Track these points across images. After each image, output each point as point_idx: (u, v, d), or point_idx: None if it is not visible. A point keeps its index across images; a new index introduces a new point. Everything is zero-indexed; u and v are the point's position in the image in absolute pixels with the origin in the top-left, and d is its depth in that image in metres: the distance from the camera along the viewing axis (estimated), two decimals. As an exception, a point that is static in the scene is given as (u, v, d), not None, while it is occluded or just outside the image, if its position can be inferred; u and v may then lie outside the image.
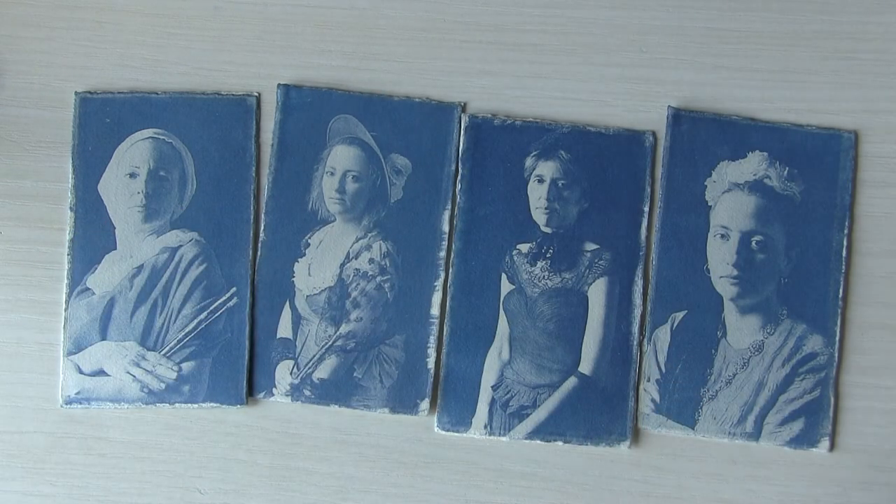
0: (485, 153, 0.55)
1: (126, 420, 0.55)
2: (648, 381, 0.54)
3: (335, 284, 0.54)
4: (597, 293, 0.54)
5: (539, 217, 0.55)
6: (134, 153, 0.49)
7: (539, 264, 0.54)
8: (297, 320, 0.54)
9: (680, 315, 0.54)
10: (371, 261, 0.54)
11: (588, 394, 0.54)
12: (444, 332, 0.54)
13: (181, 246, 0.49)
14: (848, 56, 0.56)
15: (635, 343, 0.54)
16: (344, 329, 0.54)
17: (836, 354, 0.54)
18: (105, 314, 0.50)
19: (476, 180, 0.55)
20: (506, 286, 0.54)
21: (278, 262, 0.53)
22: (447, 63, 0.56)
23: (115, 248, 0.50)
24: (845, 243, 0.54)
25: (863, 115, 0.55)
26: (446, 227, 0.54)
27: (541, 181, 0.55)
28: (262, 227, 0.53)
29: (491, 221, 0.55)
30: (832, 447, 0.54)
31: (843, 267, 0.54)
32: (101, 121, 0.51)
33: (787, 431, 0.54)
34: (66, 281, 0.51)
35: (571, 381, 0.54)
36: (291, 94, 0.52)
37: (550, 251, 0.54)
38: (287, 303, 0.54)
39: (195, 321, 0.50)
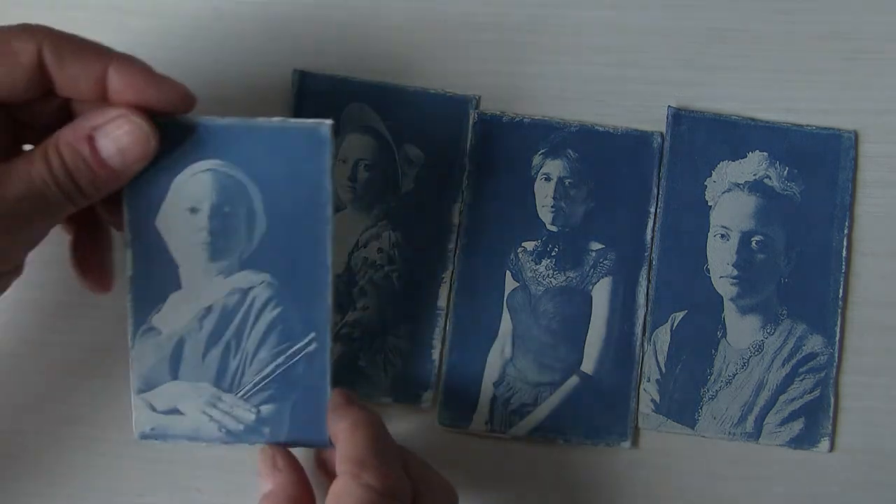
0: (492, 150, 0.55)
1: (126, 420, 0.54)
2: (648, 381, 0.54)
3: (343, 272, 0.54)
4: (601, 293, 0.54)
5: (545, 215, 0.54)
6: (194, 187, 0.46)
7: (544, 262, 0.54)
8: None
9: (680, 315, 0.54)
10: (380, 250, 0.53)
11: (589, 393, 0.54)
12: (447, 328, 0.54)
13: (252, 287, 0.47)
14: (848, 56, 0.56)
15: (638, 343, 0.54)
16: (350, 317, 0.54)
17: (836, 354, 0.54)
18: (175, 354, 0.48)
19: (483, 177, 0.55)
20: (510, 283, 0.54)
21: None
22: (456, 60, 0.56)
23: (181, 288, 0.47)
24: (845, 243, 0.54)
25: (863, 115, 0.55)
26: (457, 220, 0.54)
27: (548, 179, 0.55)
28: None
29: (497, 218, 0.54)
30: (832, 447, 0.54)
31: (843, 267, 0.54)
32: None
33: (787, 431, 0.54)
34: (130, 319, 0.48)
35: (573, 380, 0.54)
36: (306, 80, 0.51)
37: (556, 250, 0.54)
38: None
39: (272, 365, 0.48)
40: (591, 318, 0.54)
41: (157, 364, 0.48)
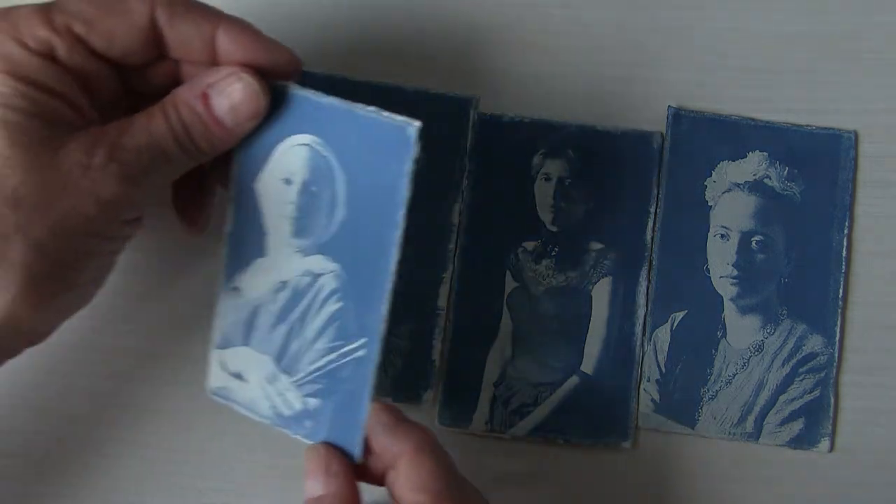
0: (492, 150, 0.55)
1: (126, 420, 0.54)
2: (648, 381, 0.54)
3: None
4: (601, 293, 0.54)
5: (545, 215, 0.54)
6: (291, 158, 0.46)
7: (544, 262, 0.54)
8: None
9: (680, 315, 0.54)
10: None
11: (589, 393, 0.54)
12: (447, 328, 0.54)
13: (323, 274, 0.46)
14: (848, 56, 0.56)
15: (638, 343, 0.54)
16: None
17: (836, 354, 0.54)
18: (249, 321, 0.48)
19: (483, 177, 0.55)
20: (510, 283, 0.54)
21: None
22: (457, 60, 0.56)
23: (265, 256, 0.47)
24: (845, 243, 0.54)
25: (863, 115, 0.55)
26: (457, 220, 0.54)
27: (548, 179, 0.55)
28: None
29: (497, 218, 0.54)
30: (832, 447, 0.54)
31: (843, 267, 0.54)
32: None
33: (787, 431, 0.54)
34: (221, 275, 0.49)
35: (573, 380, 0.54)
36: (306, 80, 0.51)
37: (556, 250, 0.54)
38: None
39: (325, 359, 0.47)
40: (591, 319, 0.54)
41: (234, 325, 0.48)
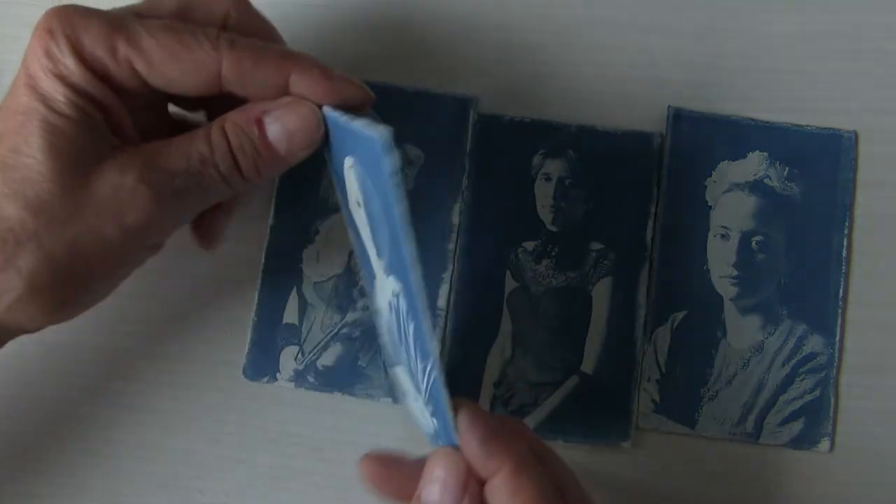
0: (492, 150, 0.55)
1: (126, 420, 0.54)
2: (648, 381, 0.54)
3: (343, 273, 0.53)
4: (601, 293, 0.54)
5: (545, 215, 0.54)
6: (351, 180, 0.46)
7: (544, 262, 0.54)
8: (303, 307, 0.53)
9: (680, 315, 0.54)
10: None
11: (589, 393, 0.54)
12: (447, 328, 0.54)
13: (399, 295, 0.43)
14: (848, 56, 0.56)
15: (638, 343, 0.54)
16: (350, 317, 0.53)
17: (837, 354, 0.54)
18: (390, 340, 0.48)
19: (483, 177, 0.55)
20: (510, 283, 0.54)
21: (287, 246, 0.53)
22: (456, 60, 0.56)
23: (375, 277, 0.46)
24: (845, 243, 0.54)
25: (863, 114, 0.55)
26: (457, 220, 0.54)
27: (548, 179, 0.54)
28: (270, 212, 0.53)
29: (497, 218, 0.54)
30: (832, 447, 0.54)
31: (844, 267, 0.54)
32: None
33: (788, 431, 0.54)
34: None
35: (573, 380, 0.54)
36: None
37: (556, 249, 0.54)
38: (294, 289, 0.54)
39: (426, 380, 0.43)
40: (592, 319, 0.54)
41: (386, 345, 0.49)
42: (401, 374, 0.49)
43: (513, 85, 0.56)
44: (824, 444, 0.54)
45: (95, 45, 0.42)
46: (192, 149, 0.43)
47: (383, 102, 0.48)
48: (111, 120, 0.43)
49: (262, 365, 0.54)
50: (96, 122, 0.42)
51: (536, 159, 0.55)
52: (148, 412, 0.55)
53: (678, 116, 0.55)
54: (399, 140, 0.49)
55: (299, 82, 0.44)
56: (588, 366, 0.54)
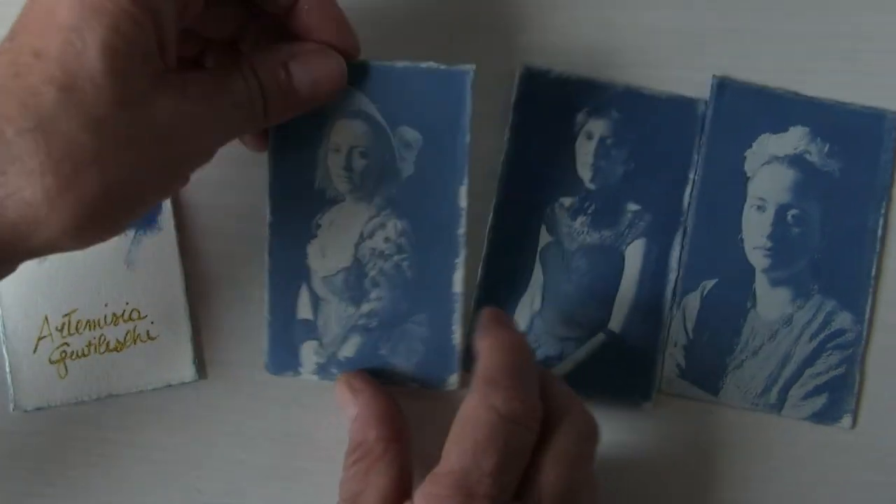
0: (537, 104, 0.55)
1: (125, 420, 0.55)
2: (675, 346, 0.54)
3: (351, 265, 0.52)
4: (634, 254, 0.55)
5: (584, 173, 0.55)
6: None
7: (579, 219, 0.55)
8: (315, 301, 0.52)
9: (711, 283, 0.55)
10: (387, 240, 0.51)
11: (615, 351, 0.54)
12: (479, 277, 0.54)
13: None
14: (897, 35, 0.56)
15: (668, 307, 0.54)
16: (365, 308, 0.52)
17: (865, 332, 0.54)
18: None
19: (525, 131, 0.55)
20: (544, 237, 0.55)
21: (290, 243, 0.52)
22: (501, 23, 0.56)
23: None
24: (881, 223, 0.54)
25: (909, 95, 0.55)
26: (464, 203, 0.51)
27: (589, 137, 0.55)
28: (267, 210, 0.51)
29: (536, 172, 0.55)
30: (854, 424, 0.54)
31: (878, 246, 0.54)
32: None
33: (811, 405, 0.54)
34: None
35: (600, 337, 0.54)
36: None
37: (592, 207, 0.55)
38: (304, 284, 0.52)
39: None
40: (623, 278, 0.54)
41: None
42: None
43: (561, 40, 0.55)
44: (846, 421, 0.54)
45: None
46: (233, 83, 0.45)
47: (373, 83, 0.49)
48: (162, 37, 0.43)
49: (283, 360, 0.53)
50: (151, 41, 0.42)
51: (580, 117, 0.55)
52: (148, 412, 0.55)
53: (722, 86, 0.55)
54: (395, 122, 0.50)
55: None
56: (615, 324, 0.54)
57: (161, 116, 0.42)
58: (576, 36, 0.56)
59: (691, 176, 0.55)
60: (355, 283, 0.52)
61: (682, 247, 0.55)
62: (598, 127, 0.55)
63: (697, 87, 0.55)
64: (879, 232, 0.54)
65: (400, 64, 0.49)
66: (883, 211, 0.54)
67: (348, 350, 0.52)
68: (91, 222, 0.41)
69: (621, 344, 0.54)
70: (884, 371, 0.54)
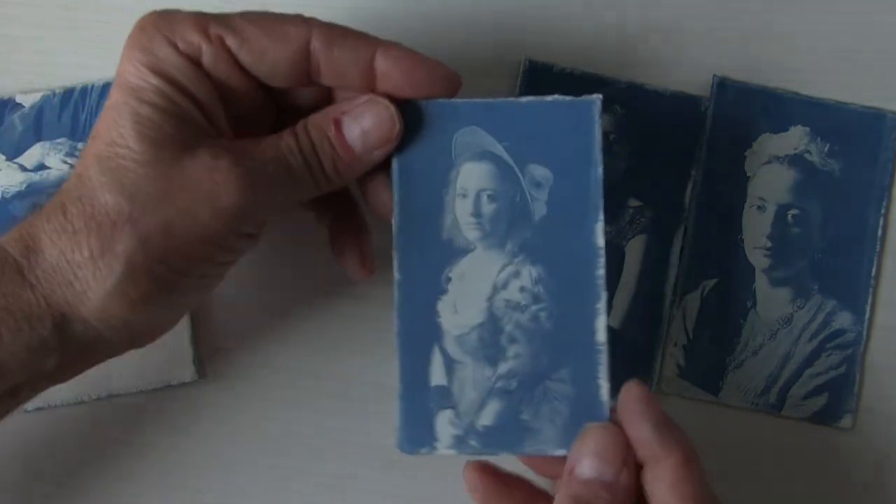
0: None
1: (125, 420, 0.55)
2: (675, 345, 0.54)
3: (486, 320, 0.48)
4: (634, 249, 0.55)
5: (587, 167, 0.55)
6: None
7: (581, 214, 0.54)
8: (449, 364, 0.48)
9: (711, 283, 0.55)
10: (522, 289, 0.47)
11: (614, 347, 0.54)
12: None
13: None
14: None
15: (667, 304, 0.54)
16: (503, 368, 0.48)
17: (865, 333, 0.54)
18: None
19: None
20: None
21: (419, 301, 0.48)
22: (506, 17, 0.56)
23: None
24: (881, 223, 0.54)
25: (908, 95, 0.55)
26: (601, 241, 0.47)
27: (592, 132, 0.55)
28: (394, 266, 0.48)
29: (537, 166, 0.55)
30: (854, 424, 0.54)
31: (878, 246, 0.54)
32: None
33: (811, 405, 0.54)
34: None
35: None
36: (406, 110, 0.47)
37: (593, 203, 0.54)
38: (436, 346, 0.48)
39: None
40: (623, 274, 0.54)
41: None
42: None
43: (565, 35, 0.56)
44: (847, 421, 0.54)
45: (186, 29, 0.44)
46: (282, 142, 0.45)
47: (496, 120, 0.47)
48: (205, 111, 0.44)
49: (418, 435, 0.48)
50: (189, 112, 0.43)
51: (583, 111, 0.55)
52: (148, 412, 0.55)
53: (723, 85, 0.55)
54: (523, 160, 0.48)
55: (385, 60, 0.45)
56: (614, 320, 0.54)
57: (196, 174, 0.43)
58: (576, 35, 0.56)
59: (693, 173, 0.55)
60: (491, 340, 0.48)
61: (683, 244, 0.55)
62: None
63: (698, 86, 0.55)
64: (879, 232, 0.54)
65: (524, 99, 0.47)
66: (883, 211, 0.55)
67: (486, 418, 0.47)
68: (136, 280, 0.43)
69: (620, 341, 0.54)
70: (884, 371, 0.54)
